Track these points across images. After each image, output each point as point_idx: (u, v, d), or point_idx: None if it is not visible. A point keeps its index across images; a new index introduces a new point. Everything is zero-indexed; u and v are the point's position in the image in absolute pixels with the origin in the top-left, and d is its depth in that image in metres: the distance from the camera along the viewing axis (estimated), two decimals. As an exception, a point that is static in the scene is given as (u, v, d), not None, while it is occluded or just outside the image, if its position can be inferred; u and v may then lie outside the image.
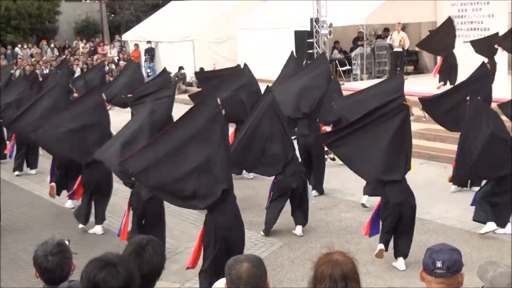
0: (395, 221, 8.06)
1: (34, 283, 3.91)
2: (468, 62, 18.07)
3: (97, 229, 10.02)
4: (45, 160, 15.36)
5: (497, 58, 17.67)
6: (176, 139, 7.17)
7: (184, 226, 10.02)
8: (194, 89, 24.16)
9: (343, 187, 11.71)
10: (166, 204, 10.72)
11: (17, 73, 24.82)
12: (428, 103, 11.17)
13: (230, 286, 3.28)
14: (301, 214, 9.63)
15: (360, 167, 8.36)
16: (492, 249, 8.61)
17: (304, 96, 11.39)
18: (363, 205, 10.46)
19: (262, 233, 9.51)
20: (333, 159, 12.31)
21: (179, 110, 15.47)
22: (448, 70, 18.11)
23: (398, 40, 20.80)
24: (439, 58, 19.10)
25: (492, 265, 3.34)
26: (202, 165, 7.01)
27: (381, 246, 8.06)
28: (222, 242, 7.09)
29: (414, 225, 8.27)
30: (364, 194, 10.42)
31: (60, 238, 3.93)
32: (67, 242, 4.03)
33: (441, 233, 9.27)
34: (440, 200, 10.80)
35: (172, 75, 25.15)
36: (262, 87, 11.19)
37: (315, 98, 11.24)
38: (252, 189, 10.91)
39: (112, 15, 41.34)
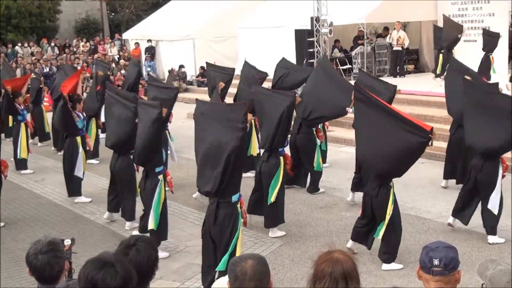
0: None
1: (33, 282, 3.90)
2: (467, 61, 18.11)
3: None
4: (44, 158, 15.40)
5: (497, 55, 17.72)
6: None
7: (184, 225, 10.03)
8: (195, 87, 24.19)
9: (343, 186, 11.70)
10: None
11: (18, 72, 24.85)
12: None
13: (234, 284, 3.27)
14: (269, 214, 9.56)
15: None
16: (492, 248, 8.60)
17: (305, 101, 11.48)
18: None
19: None
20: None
21: (178, 108, 15.52)
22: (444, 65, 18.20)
23: (397, 39, 20.81)
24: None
25: (492, 263, 3.34)
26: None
27: None
28: None
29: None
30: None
31: (58, 236, 3.92)
32: (69, 241, 4.03)
33: (441, 232, 9.26)
34: (441, 199, 10.79)
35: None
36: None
37: (317, 115, 11.39)
38: (251, 189, 10.90)
39: (113, 14, 41.35)
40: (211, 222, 7.27)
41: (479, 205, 8.99)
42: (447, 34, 18.29)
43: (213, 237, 7.29)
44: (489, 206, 8.74)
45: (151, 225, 8.53)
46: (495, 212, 8.75)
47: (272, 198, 9.33)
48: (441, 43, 18.61)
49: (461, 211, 9.18)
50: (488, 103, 8.84)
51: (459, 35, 18.17)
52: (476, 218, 9.02)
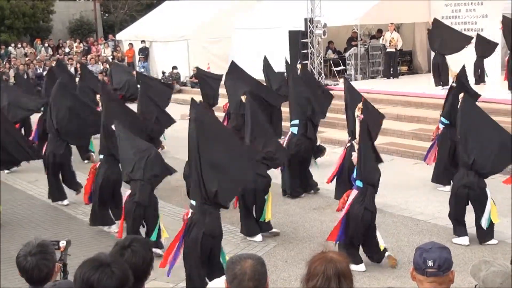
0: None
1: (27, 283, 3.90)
2: (462, 62, 18.15)
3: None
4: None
5: (490, 59, 17.79)
6: None
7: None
8: (188, 88, 24.16)
9: (337, 187, 11.72)
10: (161, 204, 10.76)
11: (11, 72, 24.77)
12: None
13: (233, 283, 3.25)
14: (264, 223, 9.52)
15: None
16: (485, 249, 8.64)
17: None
18: None
19: None
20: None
21: (172, 109, 15.47)
22: (436, 70, 18.20)
23: (390, 40, 20.85)
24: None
25: (485, 264, 3.35)
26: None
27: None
28: None
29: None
30: None
31: (51, 238, 3.93)
32: (64, 243, 4.03)
33: (434, 233, 9.28)
34: (434, 200, 10.82)
35: (166, 74, 25.14)
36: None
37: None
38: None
39: (106, 15, 41.28)
40: (216, 233, 7.39)
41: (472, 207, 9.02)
42: (451, 42, 17.98)
43: (213, 246, 7.36)
44: (483, 224, 8.75)
45: (154, 237, 8.78)
46: (485, 227, 8.79)
47: (270, 215, 9.35)
48: (444, 49, 18.28)
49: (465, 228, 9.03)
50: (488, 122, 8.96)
51: (466, 45, 18.00)
52: (468, 219, 9.04)
